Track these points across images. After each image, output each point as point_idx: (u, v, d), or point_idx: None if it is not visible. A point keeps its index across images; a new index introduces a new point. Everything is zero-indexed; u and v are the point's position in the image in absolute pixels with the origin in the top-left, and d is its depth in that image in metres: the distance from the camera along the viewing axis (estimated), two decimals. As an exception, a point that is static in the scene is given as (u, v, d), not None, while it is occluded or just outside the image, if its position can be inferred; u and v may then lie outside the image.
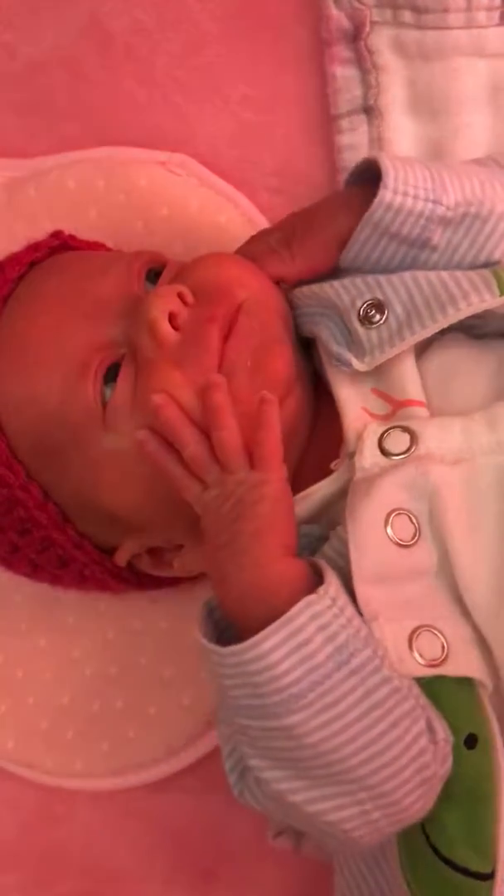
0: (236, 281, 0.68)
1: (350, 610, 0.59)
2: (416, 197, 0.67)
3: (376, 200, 0.66)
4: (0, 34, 0.88)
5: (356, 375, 0.68)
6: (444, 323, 0.66)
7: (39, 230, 0.87)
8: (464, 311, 0.65)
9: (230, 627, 0.62)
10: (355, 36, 0.81)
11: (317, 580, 0.60)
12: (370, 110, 0.83)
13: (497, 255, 0.69)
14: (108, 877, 0.82)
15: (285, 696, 0.57)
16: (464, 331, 0.69)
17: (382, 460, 0.64)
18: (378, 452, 0.64)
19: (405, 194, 0.67)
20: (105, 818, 0.84)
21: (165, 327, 0.65)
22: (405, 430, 0.65)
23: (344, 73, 0.83)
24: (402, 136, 0.82)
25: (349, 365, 0.67)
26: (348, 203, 0.70)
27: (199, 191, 0.87)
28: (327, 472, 0.68)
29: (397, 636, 0.59)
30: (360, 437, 0.65)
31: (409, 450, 0.64)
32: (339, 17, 0.81)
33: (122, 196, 0.87)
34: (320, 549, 0.65)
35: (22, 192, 0.89)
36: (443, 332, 0.68)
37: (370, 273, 0.70)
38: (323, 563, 0.61)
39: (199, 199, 0.86)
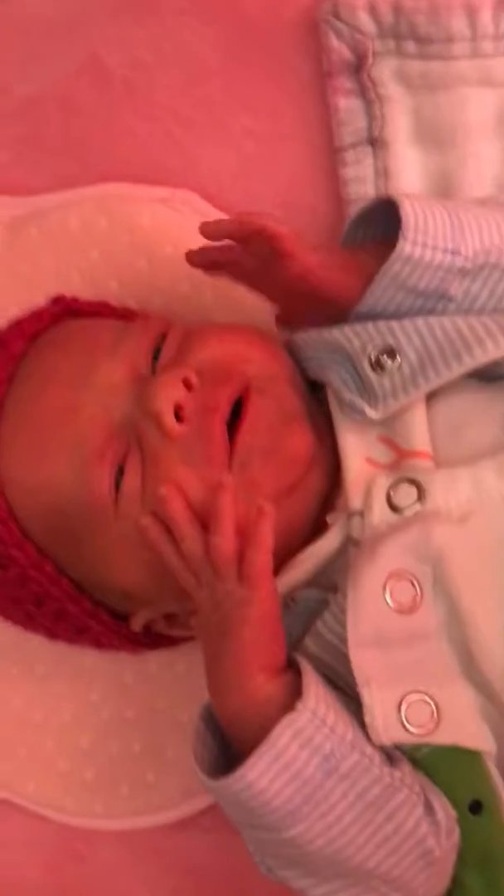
0: (241, 357, 0.65)
1: (332, 716, 0.57)
2: (434, 248, 0.63)
3: (395, 253, 0.62)
4: (-6, 72, 0.81)
5: (364, 421, 0.64)
6: (459, 370, 0.62)
7: (43, 271, 0.84)
8: (479, 358, 0.62)
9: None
10: (358, 67, 0.75)
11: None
12: (375, 142, 0.77)
13: None
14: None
15: (280, 815, 0.56)
16: (476, 374, 0.65)
17: (391, 516, 0.61)
18: (387, 508, 0.61)
19: (424, 245, 0.63)
20: (126, 857, 0.82)
21: (171, 421, 0.62)
22: (412, 482, 0.61)
23: (347, 105, 0.77)
24: (408, 167, 0.77)
25: (362, 413, 0.63)
26: (354, 268, 0.66)
27: (202, 229, 0.80)
28: (323, 523, 0.64)
29: (386, 703, 0.58)
30: (368, 493, 0.62)
31: (416, 503, 0.61)
32: (340, 49, 0.75)
33: (126, 236, 0.82)
34: (321, 613, 0.62)
35: (24, 232, 0.84)
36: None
37: (381, 318, 0.64)
38: (304, 667, 0.59)
39: (202, 238, 0.79)
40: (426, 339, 0.63)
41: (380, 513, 0.61)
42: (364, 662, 0.58)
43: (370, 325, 0.65)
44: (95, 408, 0.64)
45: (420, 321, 0.64)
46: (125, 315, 0.76)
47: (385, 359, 0.64)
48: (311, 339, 0.68)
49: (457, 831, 0.59)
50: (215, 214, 0.82)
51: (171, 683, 0.80)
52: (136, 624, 0.70)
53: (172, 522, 0.61)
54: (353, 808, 0.56)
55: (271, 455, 0.62)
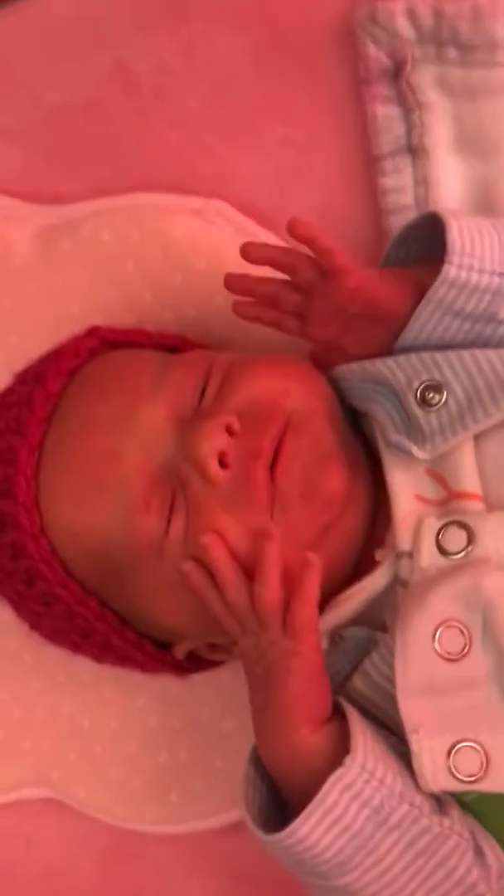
0: (282, 395, 0.64)
1: (381, 768, 0.57)
2: (482, 271, 0.61)
3: (440, 277, 0.60)
4: (23, 80, 0.78)
5: (400, 469, 0.63)
6: None
7: (78, 284, 0.83)
8: None
9: None
10: (396, 74, 0.73)
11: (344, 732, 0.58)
12: (415, 150, 0.75)
13: None
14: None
15: (331, 866, 0.57)
16: None
17: (440, 560, 0.61)
18: (436, 551, 0.61)
19: (471, 269, 0.61)
20: (177, 858, 0.84)
21: (215, 469, 0.62)
22: (462, 525, 0.60)
23: (385, 113, 0.75)
24: (449, 176, 0.74)
25: (409, 454, 0.62)
26: (405, 280, 0.63)
27: (236, 240, 0.79)
28: (371, 559, 0.64)
29: (435, 751, 0.58)
30: (417, 535, 0.61)
31: (466, 548, 0.60)
32: (377, 55, 0.72)
33: (158, 249, 0.81)
34: (370, 653, 0.62)
35: (56, 244, 0.83)
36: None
37: (426, 348, 0.63)
38: (351, 717, 0.59)
39: (236, 250, 0.78)
40: (473, 375, 0.61)
41: (428, 556, 0.60)
42: (413, 711, 0.58)
43: (414, 358, 0.64)
44: (137, 453, 0.63)
45: (467, 355, 0.62)
46: (162, 341, 0.75)
47: (431, 395, 0.62)
48: (354, 370, 0.66)
49: None
50: (248, 225, 0.80)
51: (215, 693, 0.81)
52: (180, 653, 0.71)
53: (216, 570, 0.61)
54: (403, 857, 0.57)
55: (307, 497, 0.62)
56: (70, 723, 0.84)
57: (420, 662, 0.57)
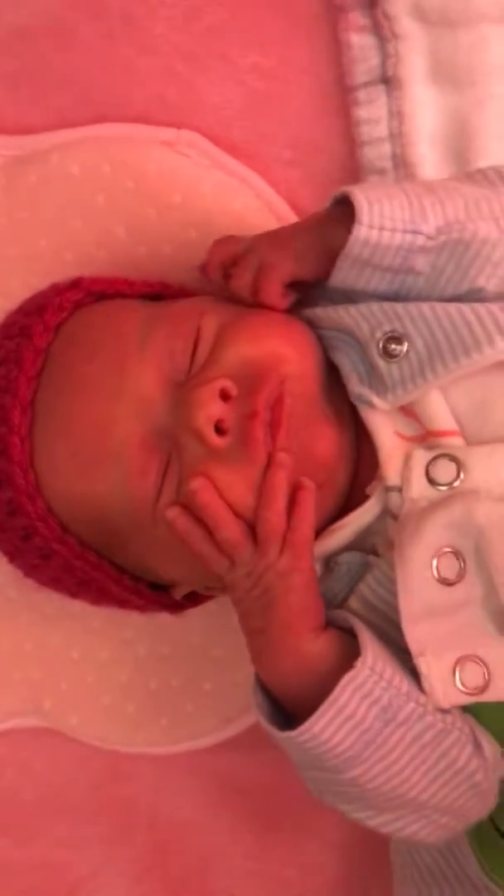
0: (277, 357, 0.64)
1: (388, 670, 0.60)
2: (393, 230, 0.62)
3: (351, 238, 0.61)
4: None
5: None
6: (467, 366, 0.61)
7: (44, 219, 0.81)
8: (488, 355, 0.61)
9: None
10: (372, 2, 0.71)
11: (350, 641, 0.60)
12: (389, 81, 0.75)
13: (482, 281, 0.64)
14: (178, 828, 0.85)
15: (342, 760, 0.60)
16: None
17: (429, 491, 0.62)
18: (425, 482, 0.62)
19: (381, 228, 0.62)
20: (168, 776, 0.87)
21: (212, 437, 0.62)
22: (451, 458, 0.62)
23: (360, 42, 0.74)
24: (423, 108, 0.75)
25: (371, 404, 0.64)
26: (335, 219, 0.64)
27: (211, 174, 0.79)
28: (361, 493, 0.65)
29: (442, 670, 0.61)
30: (406, 469, 0.62)
31: (455, 479, 0.62)
32: (353, -18, 0.70)
33: (131, 183, 0.79)
34: (362, 577, 0.64)
35: (22, 178, 0.80)
36: None
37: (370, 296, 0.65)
38: (357, 625, 0.62)
39: (212, 184, 0.78)
40: (433, 327, 0.62)
41: (418, 487, 0.62)
42: (417, 635, 0.60)
43: (376, 308, 0.64)
44: (131, 421, 0.63)
45: (426, 307, 0.63)
46: (145, 289, 0.74)
47: (393, 346, 0.63)
48: (321, 317, 0.67)
49: (502, 763, 0.64)
50: (222, 158, 0.79)
51: (204, 620, 0.83)
52: (179, 594, 0.73)
53: (206, 510, 0.62)
54: (409, 750, 0.59)
55: (301, 459, 0.62)
56: (60, 654, 0.85)
57: (421, 590, 0.60)
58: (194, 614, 0.84)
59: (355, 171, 0.77)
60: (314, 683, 0.60)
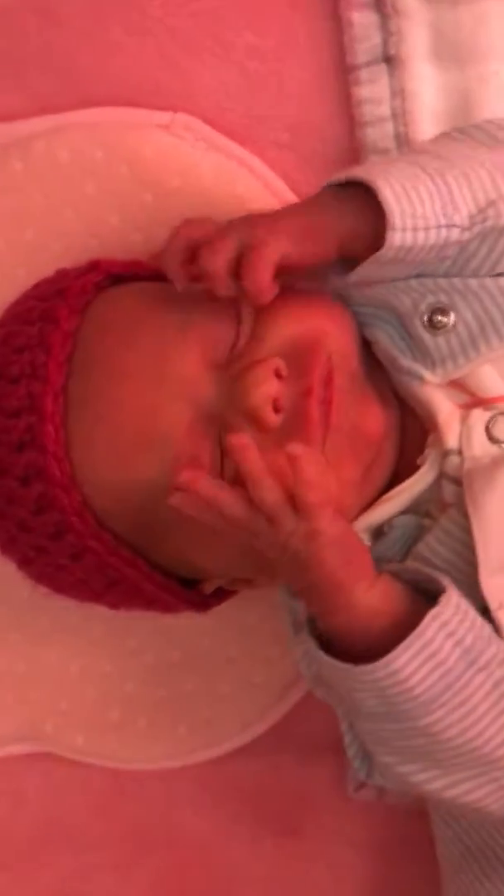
0: (323, 334, 0.62)
1: (472, 611, 0.58)
2: (427, 228, 0.60)
3: (385, 246, 0.59)
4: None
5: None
6: None
7: (32, 208, 0.78)
8: None
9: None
10: (374, -22, 0.70)
11: (411, 594, 0.58)
12: (391, 59, 0.74)
13: None
14: (196, 845, 0.81)
15: (420, 702, 0.57)
16: None
17: (492, 449, 0.61)
18: (486, 440, 0.62)
19: (415, 228, 0.60)
20: (177, 792, 0.83)
21: (271, 417, 0.60)
22: None
23: (362, 20, 0.73)
24: (425, 86, 0.74)
25: (421, 378, 0.62)
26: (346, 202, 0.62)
27: (209, 157, 0.76)
28: (412, 468, 0.64)
29: None
30: (466, 429, 0.61)
31: None
32: (355, -42, 0.70)
33: (125, 167, 0.76)
34: (422, 538, 0.63)
35: (6, 165, 0.77)
36: None
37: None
38: (430, 571, 0.59)
39: (211, 167, 0.76)
40: (483, 298, 0.61)
41: (480, 445, 0.60)
42: (495, 588, 0.58)
43: (415, 283, 0.63)
44: (176, 405, 0.60)
45: (472, 281, 0.62)
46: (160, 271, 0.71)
47: (439, 318, 0.62)
48: (354, 294, 0.65)
49: None
50: (221, 140, 0.77)
51: (215, 620, 0.79)
52: (209, 588, 0.70)
53: (247, 469, 0.58)
54: (489, 698, 0.57)
55: (352, 437, 0.61)
56: (58, 671, 0.81)
57: (499, 541, 0.58)
58: (203, 616, 0.80)
59: (354, 152, 0.76)
60: (373, 638, 0.57)
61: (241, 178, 0.76)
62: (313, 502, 0.57)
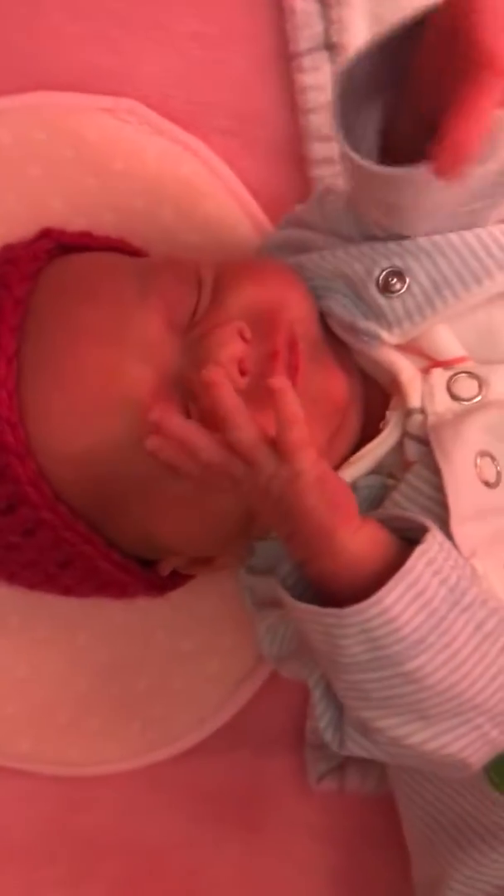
0: (283, 301, 0.62)
1: (454, 550, 0.58)
2: None
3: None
4: None
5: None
6: (480, 295, 0.62)
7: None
8: (501, 283, 0.61)
9: (307, 589, 0.60)
10: (316, -34, 0.72)
11: (397, 541, 0.57)
12: (333, 47, 0.75)
13: None
14: (154, 851, 0.78)
15: (406, 644, 0.56)
16: None
17: (454, 405, 0.61)
18: (448, 398, 0.62)
19: None
20: (131, 797, 0.79)
21: (236, 377, 0.59)
22: (471, 375, 0.62)
23: (304, 7, 0.75)
24: (366, 74, 0.75)
25: (378, 338, 0.63)
26: None
27: (154, 140, 0.76)
28: (371, 431, 0.64)
29: (496, 566, 0.60)
30: (428, 389, 0.62)
31: (478, 394, 0.62)
32: None
33: (70, 150, 0.75)
34: (388, 496, 0.62)
35: None
36: None
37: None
38: (409, 514, 0.59)
39: (156, 150, 0.75)
40: (437, 259, 0.61)
41: (443, 402, 0.61)
42: (467, 536, 0.58)
43: (367, 248, 0.63)
44: (141, 367, 0.59)
45: (423, 241, 0.63)
46: (109, 244, 0.70)
47: (393, 281, 0.63)
48: (307, 266, 0.65)
49: None
50: (165, 125, 0.77)
51: (168, 613, 0.77)
52: (166, 569, 0.68)
53: (221, 405, 0.56)
54: (472, 639, 0.57)
55: (317, 404, 0.61)
56: (3, 672, 0.77)
57: (468, 490, 0.58)
58: (155, 608, 0.78)
59: (296, 139, 0.77)
60: (360, 582, 0.56)
61: (186, 162, 0.76)
62: (295, 441, 0.56)
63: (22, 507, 0.61)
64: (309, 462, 0.56)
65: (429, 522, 0.57)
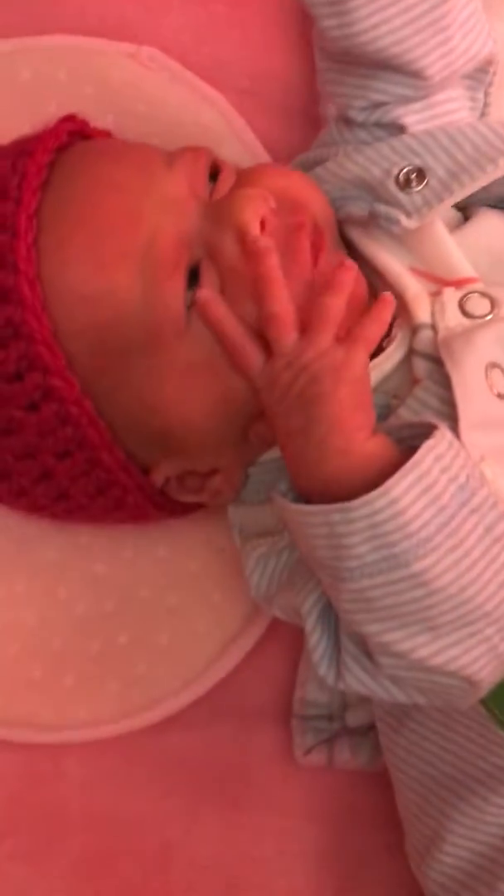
0: (308, 195, 0.62)
1: (464, 451, 0.56)
2: None
3: None
4: None
5: (394, 251, 0.63)
6: (494, 174, 0.62)
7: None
8: None
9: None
10: None
11: (406, 452, 0.55)
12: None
13: None
14: (124, 827, 0.72)
15: (415, 542, 0.53)
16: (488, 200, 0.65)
17: (465, 321, 0.60)
18: (460, 314, 0.61)
19: None
20: (101, 770, 0.74)
21: (257, 232, 0.58)
22: (483, 295, 0.61)
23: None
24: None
25: (398, 223, 0.62)
26: None
27: (174, 88, 0.76)
28: (378, 353, 0.63)
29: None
30: (439, 304, 0.61)
31: (491, 311, 0.61)
32: None
33: (90, 89, 0.75)
34: (394, 413, 0.61)
35: (-38, 80, 0.74)
36: (474, 212, 0.64)
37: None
38: (413, 419, 0.58)
39: (178, 95, 0.75)
40: (452, 151, 0.62)
41: (454, 318, 0.60)
42: (476, 443, 0.57)
43: (386, 148, 0.64)
44: (162, 217, 0.58)
45: (441, 135, 0.63)
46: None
47: (412, 178, 0.63)
48: (324, 178, 0.65)
49: None
50: (187, 75, 0.77)
51: (153, 569, 0.74)
52: (158, 476, 0.64)
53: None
54: (481, 542, 0.54)
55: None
56: (-28, 627, 0.72)
57: (479, 397, 0.57)
58: (140, 564, 0.75)
59: (313, 100, 0.78)
60: (370, 483, 0.53)
61: (205, 111, 0.76)
62: (371, 339, 0.56)
63: (32, 373, 0.59)
64: (363, 360, 0.56)
65: (437, 422, 0.55)
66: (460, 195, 0.61)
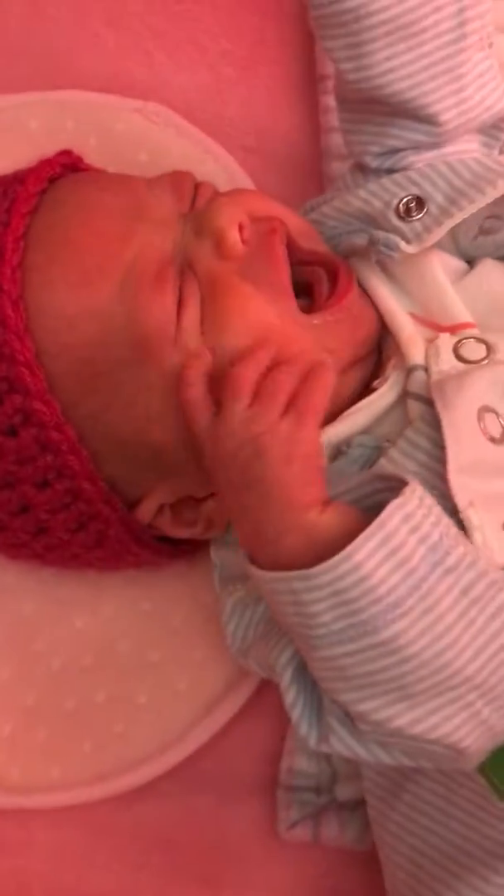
0: (282, 211, 0.62)
1: (437, 508, 0.52)
2: None
3: None
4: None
5: (392, 296, 0.62)
6: (493, 195, 0.61)
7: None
8: None
9: None
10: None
11: (366, 515, 0.52)
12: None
13: None
14: (89, 907, 0.65)
15: (383, 607, 0.50)
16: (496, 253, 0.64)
17: (460, 366, 0.59)
18: (454, 358, 0.59)
19: None
20: (69, 840, 0.69)
21: (235, 236, 0.58)
22: (479, 340, 0.60)
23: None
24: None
25: (396, 248, 0.61)
26: None
27: (178, 141, 0.77)
28: (367, 393, 0.61)
29: (494, 524, 0.55)
30: (434, 348, 0.60)
31: (486, 356, 0.59)
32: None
33: (94, 139, 0.76)
34: (379, 458, 0.58)
35: (-27, 128, 0.75)
36: (473, 262, 0.64)
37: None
38: (392, 471, 0.55)
39: (181, 147, 0.76)
40: (451, 178, 0.62)
41: (448, 362, 0.59)
42: (464, 487, 0.54)
43: (387, 181, 0.64)
44: (147, 235, 0.58)
45: (441, 165, 0.63)
46: None
47: (413, 206, 0.62)
48: (328, 212, 0.65)
49: None
50: (190, 129, 0.78)
51: (135, 623, 0.70)
52: (147, 510, 0.62)
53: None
54: (457, 604, 0.51)
55: (354, 321, 0.61)
56: None
57: (469, 440, 0.55)
58: (122, 617, 0.71)
59: (315, 158, 0.78)
60: (333, 553, 0.50)
61: (206, 163, 0.76)
62: (315, 409, 0.54)
63: (12, 395, 0.58)
64: (312, 434, 0.54)
65: (409, 477, 0.52)
66: (460, 216, 0.60)
